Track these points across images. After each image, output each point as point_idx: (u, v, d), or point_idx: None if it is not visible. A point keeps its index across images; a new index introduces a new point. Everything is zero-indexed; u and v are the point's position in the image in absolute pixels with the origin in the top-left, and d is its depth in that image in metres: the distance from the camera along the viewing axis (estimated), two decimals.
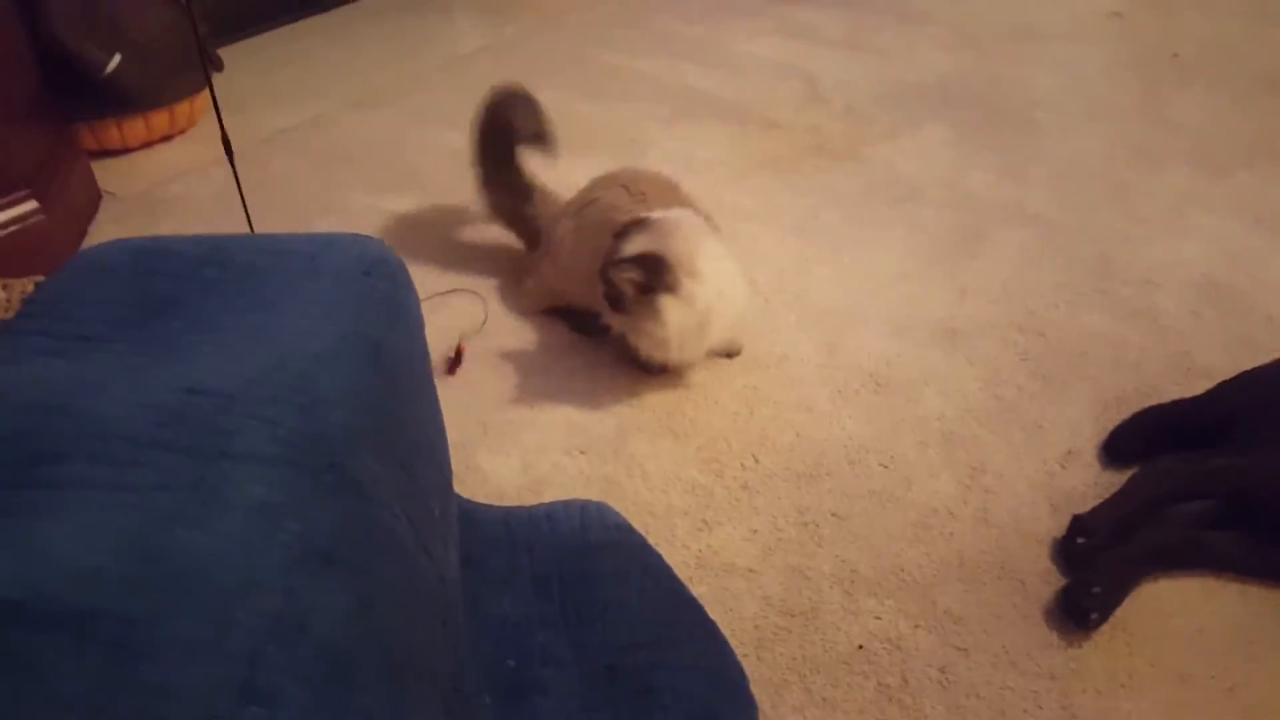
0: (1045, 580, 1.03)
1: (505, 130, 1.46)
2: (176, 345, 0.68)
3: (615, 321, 1.25)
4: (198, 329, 0.70)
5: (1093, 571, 1.00)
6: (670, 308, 1.17)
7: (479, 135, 1.46)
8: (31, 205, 1.45)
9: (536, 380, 1.31)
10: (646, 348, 1.25)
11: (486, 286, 1.49)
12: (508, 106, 1.46)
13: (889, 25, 2.57)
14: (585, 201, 1.35)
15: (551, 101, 2.08)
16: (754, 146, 1.94)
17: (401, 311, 0.81)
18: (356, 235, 0.87)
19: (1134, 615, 0.99)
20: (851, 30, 2.53)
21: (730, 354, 1.35)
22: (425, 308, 1.40)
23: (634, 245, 1.18)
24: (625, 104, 2.10)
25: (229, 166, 1.76)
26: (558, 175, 1.73)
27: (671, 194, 1.34)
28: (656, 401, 1.28)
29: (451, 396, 1.27)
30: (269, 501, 0.55)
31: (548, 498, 1.11)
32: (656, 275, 1.16)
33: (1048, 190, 1.79)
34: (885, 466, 1.18)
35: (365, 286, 0.79)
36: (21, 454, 0.57)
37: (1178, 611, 1.00)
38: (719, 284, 1.20)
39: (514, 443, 1.20)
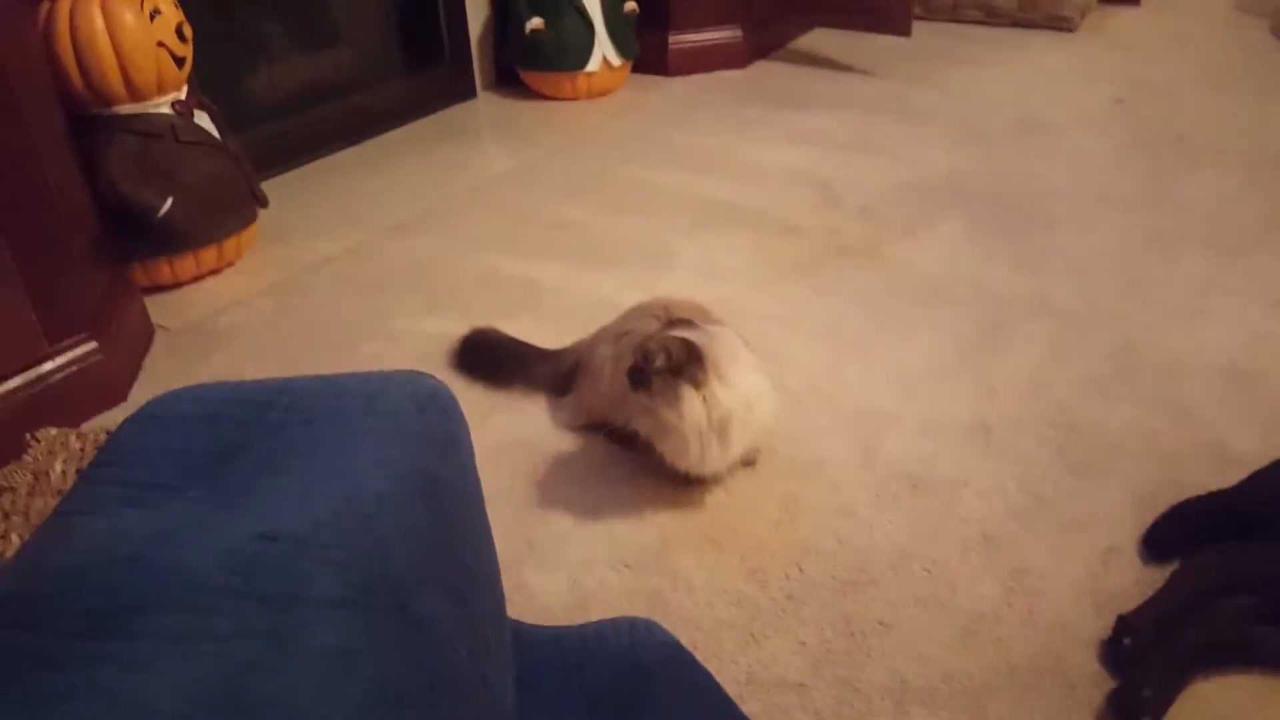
0: (1095, 683, 1.02)
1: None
2: (247, 490, 0.72)
3: (639, 421, 1.28)
4: (266, 473, 0.74)
5: (1142, 673, 0.99)
6: (690, 400, 1.20)
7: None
8: (91, 346, 1.52)
9: (578, 494, 1.34)
10: (664, 445, 1.27)
11: (527, 401, 1.54)
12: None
13: (895, 126, 2.67)
14: (621, 331, 1.40)
15: (576, 217, 2.18)
16: (775, 252, 2.00)
17: (454, 444, 0.85)
18: (411, 372, 0.91)
19: (1187, 718, 0.98)
20: (859, 133, 2.63)
21: (747, 462, 1.37)
22: (470, 425, 1.46)
23: (677, 334, 1.22)
24: (647, 216, 2.18)
25: (275, 298, 1.85)
26: (586, 288, 1.80)
27: (702, 317, 1.39)
28: (698, 512, 1.30)
29: (496, 514, 1.30)
30: (341, 645, 0.58)
31: (594, 614, 1.12)
32: (688, 361, 1.19)
33: (1067, 281, 1.82)
34: (928, 571, 1.19)
35: (420, 423, 0.82)
36: (108, 606, 0.60)
37: (1231, 713, 0.99)
38: (746, 396, 1.24)
39: (560, 559, 1.22)
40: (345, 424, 0.79)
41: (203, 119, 1.89)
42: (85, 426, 1.16)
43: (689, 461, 1.26)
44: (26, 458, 1.07)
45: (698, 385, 1.20)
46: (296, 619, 0.59)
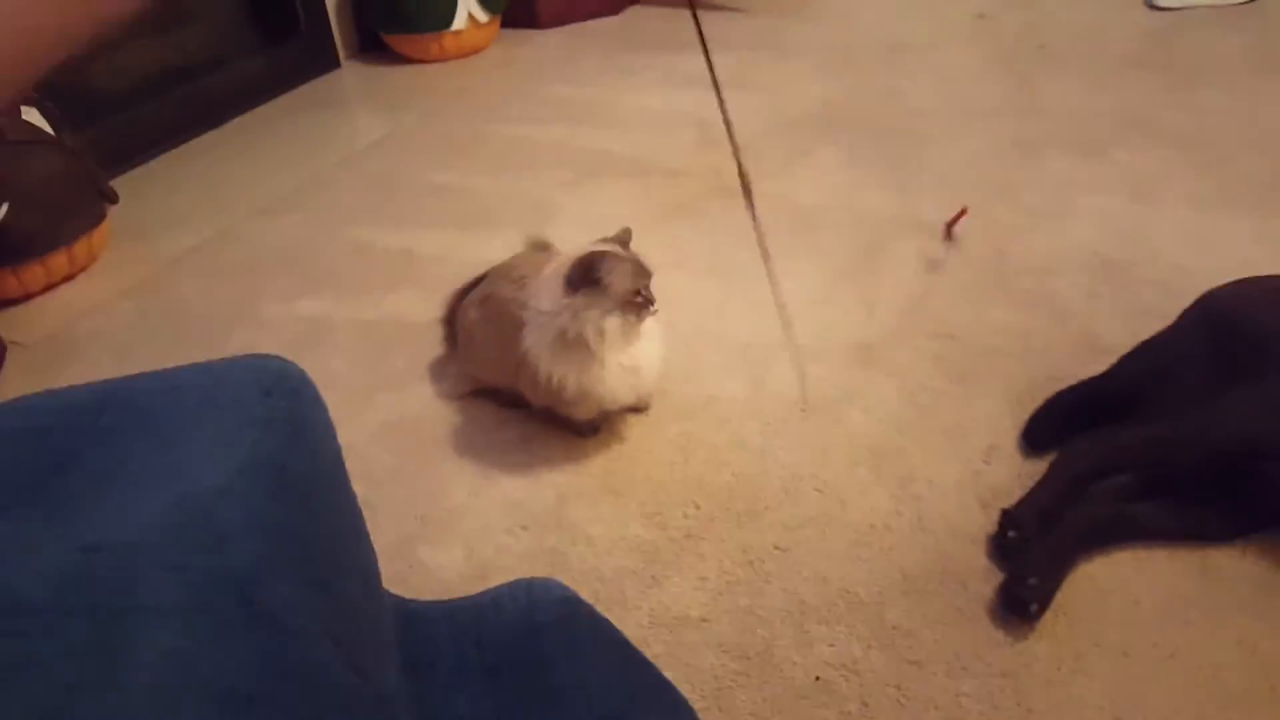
0: (985, 579, 1.06)
1: None
2: (75, 502, 0.67)
3: (524, 378, 1.26)
4: (97, 481, 0.69)
5: (1027, 563, 1.03)
6: (624, 328, 1.19)
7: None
8: None
9: (470, 464, 1.31)
10: (572, 381, 1.22)
11: (411, 375, 1.50)
12: None
13: (768, 62, 2.66)
14: (484, 295, 1.36)
15: (452, 182, 2.12)
16: (658, 197, 1.98)
17: (306, 427, 0.81)
18: (255, 356, 0.86)
19: (1073, 599, 1.02)
20: (734, 73, 2.61)
21: (639, 409, 1.37)
22: (352, 408, 1.41)
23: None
24: (529, 173, 2.14)
25: (135, 299, 1.76)
26: (470, 253, 1.75)
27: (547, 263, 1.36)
28: (593, 464, 1.29)
29: (386, 494, 1.27)
30: (179, 649, 0.55)
31: (494, 582, 1.10)
32: (632, 287, 1.19)
33: (937, 195, 1.85)
34: (820, 491, 1.21)
35: (265, 408, 0.78)
36: None
37: (1114, 588, 1.03)
38: (657, 337, 1.27)
39: (454, 531, 1.20)
40: (181, 419, 0.74)
41: (32, 115, 1.76)
42: None
43: (600, 394, 1.23)
44: None
45: (635, 314, 1.19)
46: (127, 629, 0.56)
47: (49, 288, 1.82)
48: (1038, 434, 1.24)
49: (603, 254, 1.18)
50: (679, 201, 1.95)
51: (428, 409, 1.43)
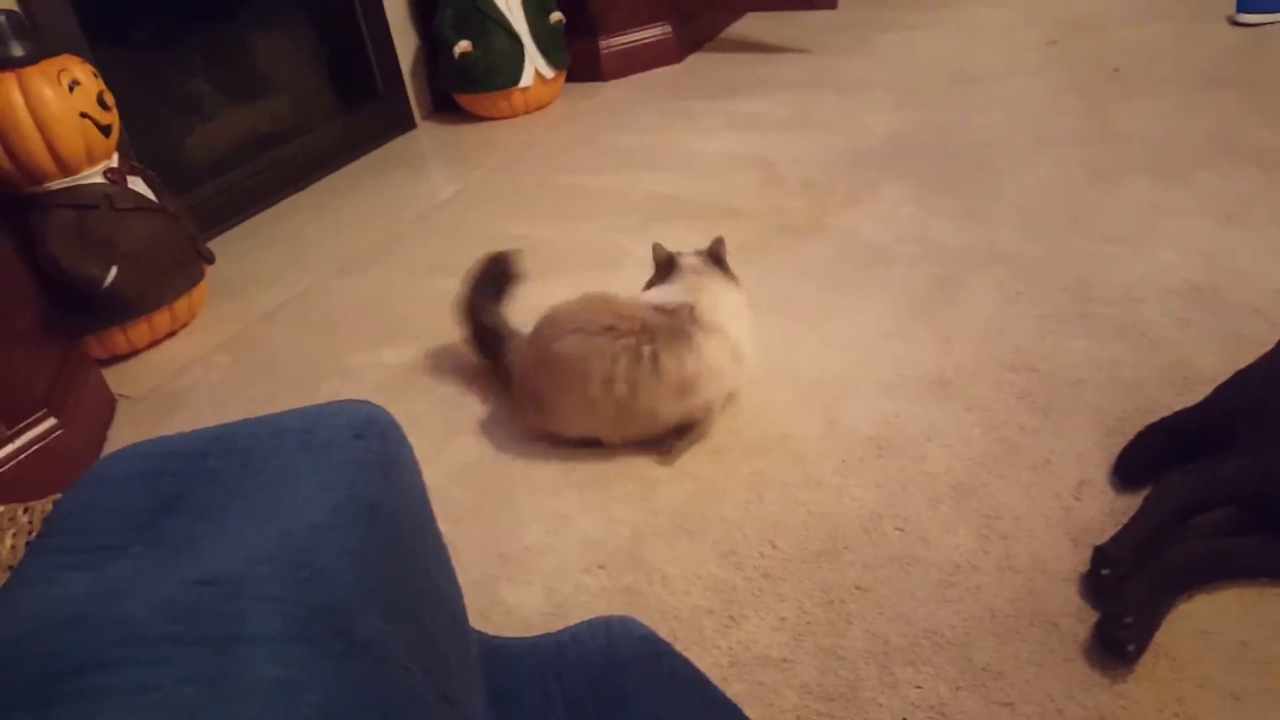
0: (1079, 619, 1.02)
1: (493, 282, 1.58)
2: (186, 540, 0.71)
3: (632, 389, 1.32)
4: (205, 520, 0.73)
5: (1122, 602, 0.99)
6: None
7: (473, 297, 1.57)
8: (50, 423, 1.51)
9: (547, 502, 1.33)
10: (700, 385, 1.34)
11: (487, 417, 1.53)
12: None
13: (832, 99, 2.68)
14: (550, 355, 1.37)
15: (522, 231, 2.18)
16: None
17: (394, 467, 0.84)
18: (346, 401, 0.90)
19: (1174, 639, 0.98)
20: (797, 111, 2.63)
21: (694, 429, 1.40)
22: (433, 450, 1.45)
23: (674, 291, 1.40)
24: (593, 220, 2.18)
25: (231, 352, 1.84)
26: (537, 299, 1.78)
27: (605, 304, 1.40)
28: (667, 503, 1.30)
29: (467, 533, 1.30)
30: (283, 678, 0.58)
31: (572, 620, 1.11)
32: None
33: (1013, 226, 1.83)
34: (901, 530, 1.19)
35: (356, 450, 0.82)
36: (52, 670, 0.60)
37: (1218, 627, 0.99)
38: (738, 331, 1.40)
39: (533, 570, 1.22)
40: (281, 461, 0.78)
41: (138, 183, 1.87)
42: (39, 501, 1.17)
43: (714, 395, 1.36)
44: None
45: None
46: (237, 658, 0.59)
47: (153, 344, 1.92)
48: (1130, 468, 1.20)
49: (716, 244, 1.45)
50: (743, 241, 1.96)
51: (504, 449, 1.45)
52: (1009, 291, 1.63)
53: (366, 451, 0.81)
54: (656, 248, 1.51)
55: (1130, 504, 1.14)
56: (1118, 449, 1.24)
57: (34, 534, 1.10)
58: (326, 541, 0.69)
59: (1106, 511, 1.15)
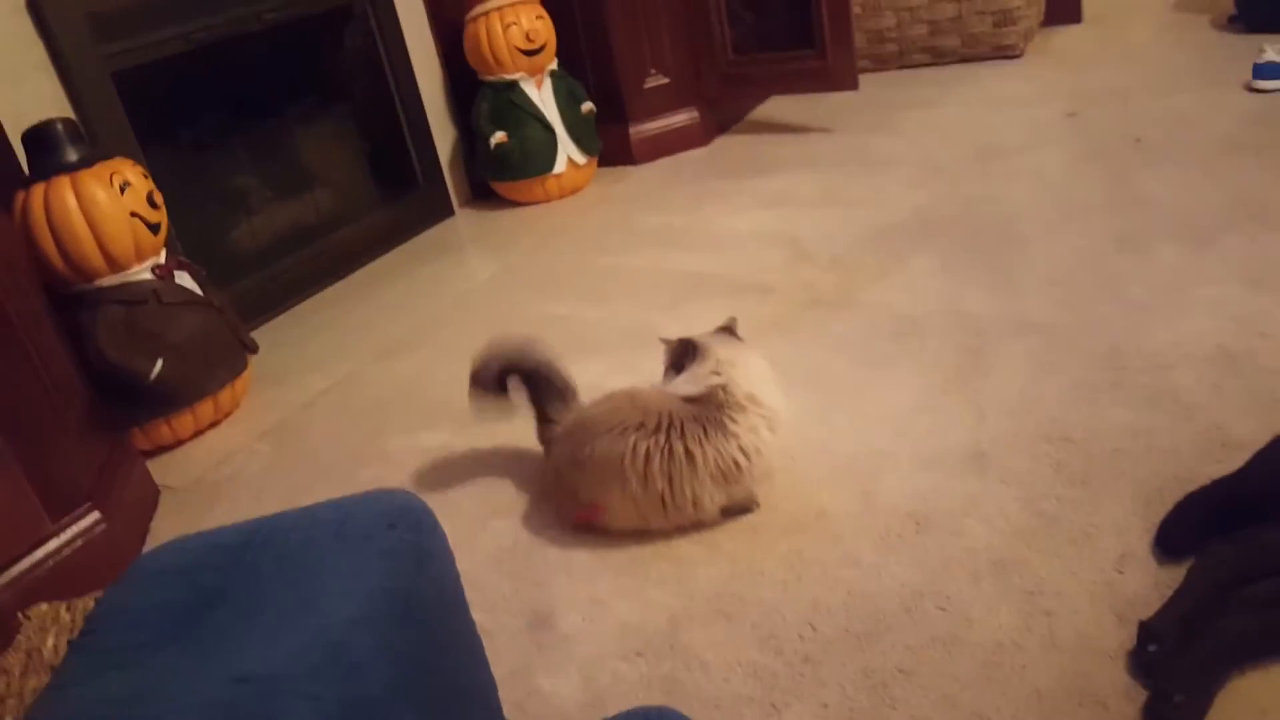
0: (1128, 698, 0.99)
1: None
2: (224, 636, 0.72)
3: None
4: (243, 615, 0.75)
5: (1172, 679, 0.96)
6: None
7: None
8: (94, 517, 1.54)
9: (582, 587, 1.33)
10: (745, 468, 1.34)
11: (522, 501, 1.54)
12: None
13: (858, 176, 2.72)
14: (580, 447, 1.39)
15: (557, 312, 2.22)
16: (753, 313, 2.01)
17: (428, 558, 0.85)
18: (381, 491, 0.92)
19: (1229, 717, 0.95)
20: (823, 188, 2.68)
21: (742, 508, 1.40)
22: (469, 534, 1.46)
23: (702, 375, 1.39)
24: (626, 300, 2.22)
25: (272, 441, 1.88)
26: (573, 377, 1.81)
27: (631, 401, 1.41)
28: (703, 585, 1.29)
29: (502, 621, 1.30)
30: None
31: (611, 710, 1.10)
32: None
33: (1042, 295, 1.83)
34: (943, 609, 1.17)
35: (391, 540, 0.83)
36: None
37: (1274, 705, 0.95)
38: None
39: (570, 658, 1.21)
40: (316, 554, 0.80)
41: (184, 278, 1.95)
42: (81, 598, 1.19)
43: (758, 473, 1.36)
44: (20, 637, 1.09)
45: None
46: None
47: (197, 434, 1.97)
48: (1172, 538, 1.18)
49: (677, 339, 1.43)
50: (773, 317, 1.99)
51: (539, 533, 1.46)
52: (1041, 361, 1.62)
53: (400, 542, 0.83)
54: (666, 341, 1.51)
55: (1174, 575, 1.11)
56: (1158, 518, 1.21)
57: (75, 632, 1.12)
58: (361, 635, 0.70)
59: (1150, 584, 1.13)
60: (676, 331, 2.00)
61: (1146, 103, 2.83)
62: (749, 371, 1.39)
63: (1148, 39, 3.60)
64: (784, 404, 1.39)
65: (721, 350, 1.42)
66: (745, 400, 1.35)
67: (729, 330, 1.50)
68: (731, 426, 1.33)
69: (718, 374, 1.38)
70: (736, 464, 1.33)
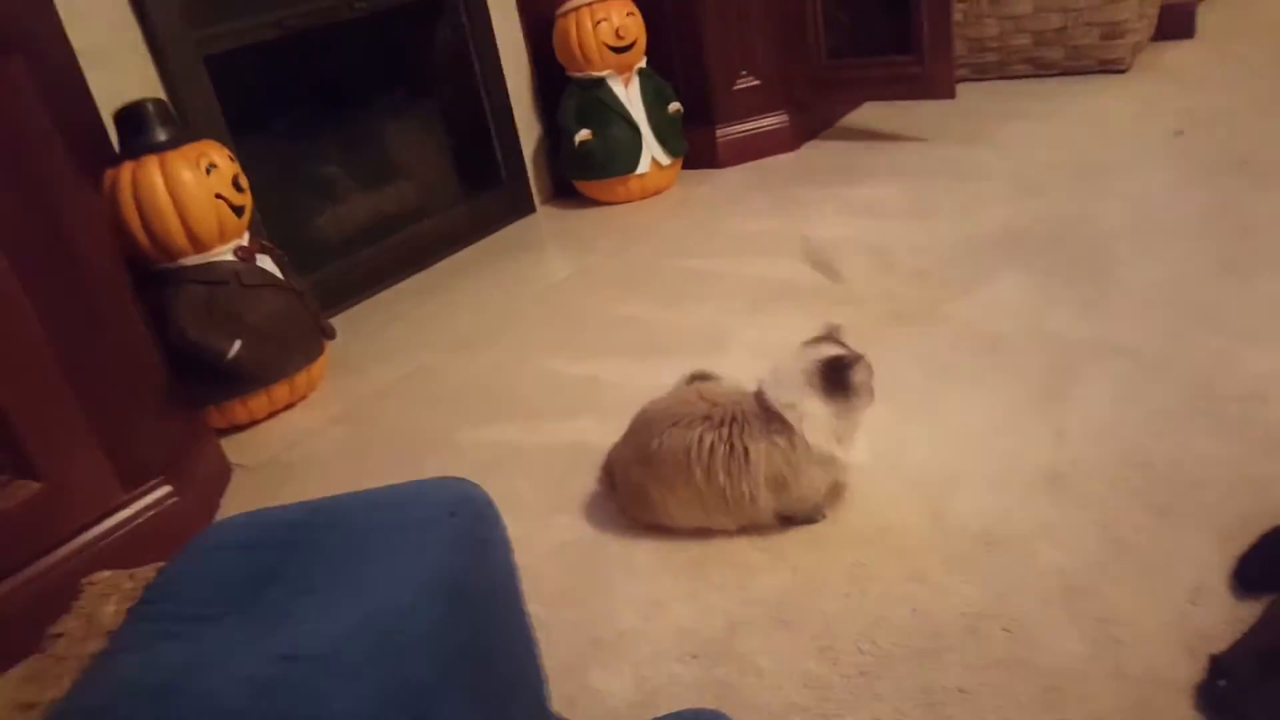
0: None
1: None
2: (278, 613, 0.73)
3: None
4: (298, 593, 0.75)
5: (1242, 716, 0.92)
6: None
7: None
8: (166, 490, 1.59)
9: (643, 587, 1.33)
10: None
11: (589, 498, 1.55)
12: None
13: (949, 187, 2.65)
14: (646, 441, 1.39)
15: (634, 313, 2.23)
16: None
17: (487, 548, 0.86)
18: (444, 479, 0.92)
19: None
20: (912, 199, 2.62)
21: (807, 519, 1.38)
22: (532, 528, 1.47)
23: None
24: (703, 304, 2.21)
25: (345, 425, 1.93)
26: (644, 380, 1.81)
27: (697, 393, 1.40)
28: (764, 592, 1.28)
29: (560, 615, 1.30)
30: None
31: (663, 710, 1.10)
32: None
33: (1134, 318, 1.76)
34: (1008, 631, 1.13)
35: (449, 528, 0.84)
36: None
37: None
38: None
39: (625, 656, 1.21)
40: (375, 537, 0.81)
41: (265, 261, 2.00)
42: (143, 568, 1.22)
43: (807, 492, 1.34)
44: (79, 603, 1.13)
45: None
46: None
47: (271, 415, 2.03)
48: (1251, 573, 1.12)
49: (851, 360, 1.32)
50: (853, 327, 1.93)
51: (603, 530, 1.47)
52: (1127, 385, 1.55)
53: (459, 530, 0.84)
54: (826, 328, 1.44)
55: (1250, 612, 1.07)
56: (1237, 552, 1.16)
57: (136, 600, 1.15)
58: (412, 620, 0.70)
59: (1225, 618, 1.08)
60: (750, 338, 1.99)
61: (1258, 124, 2.69)
62: (815, 423, 1.31)
63: (1262, 59, 3.41)
64: (853, 453, 1.34)
65: (807, 402, 1.32)
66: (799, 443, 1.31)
67: (834, 339, 1.40)
68: (785, 438, 1.30)
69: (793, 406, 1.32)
70: (786, 476, 1.31)
